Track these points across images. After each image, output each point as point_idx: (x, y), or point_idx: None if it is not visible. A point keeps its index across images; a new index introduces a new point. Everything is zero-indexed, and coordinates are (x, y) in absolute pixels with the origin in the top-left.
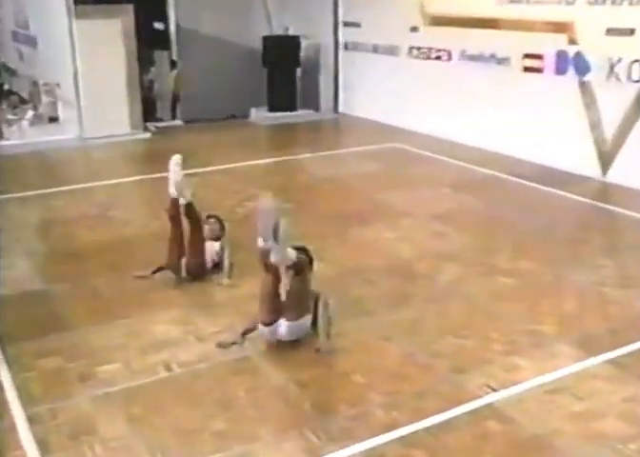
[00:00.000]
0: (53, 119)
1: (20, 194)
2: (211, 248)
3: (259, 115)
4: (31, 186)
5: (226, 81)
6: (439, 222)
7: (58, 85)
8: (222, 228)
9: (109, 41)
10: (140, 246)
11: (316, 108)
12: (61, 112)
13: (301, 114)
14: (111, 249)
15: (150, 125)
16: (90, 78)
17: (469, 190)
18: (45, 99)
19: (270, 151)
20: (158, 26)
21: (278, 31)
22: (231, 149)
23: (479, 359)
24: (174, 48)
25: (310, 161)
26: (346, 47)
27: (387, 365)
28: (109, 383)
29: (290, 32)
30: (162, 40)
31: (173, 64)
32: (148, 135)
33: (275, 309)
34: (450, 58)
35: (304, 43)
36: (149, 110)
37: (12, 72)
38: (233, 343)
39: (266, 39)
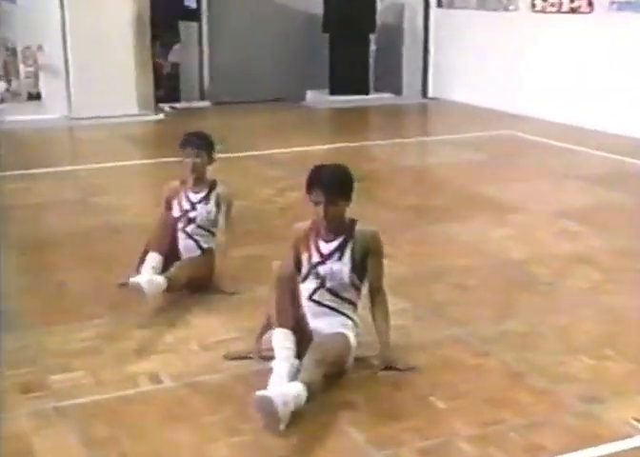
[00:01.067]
0: (34, 96)
1: None
2: None
3: (317, 98)
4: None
5: (271, 55)
6: (568, 219)
7: (40, 47)
8: None
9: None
10: (129, 237)
11: (397, 90)
12: (44, 88)
13: (375, 99)
14: (90, 240)
15: (165, 105)
16: (82, 41)
17: (610, 184)
18: (24, 70)
19: (329, 137)
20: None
21: None
22: (273, 134)
23: (623, 385)
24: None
25: (385, 149)
26: (439, 3)
27: (482, 387)
28: (62, 395)
29: None
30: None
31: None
32: (160, 117)
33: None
34: (591, 8)
35: (381, 1)
36: (168, 90)
37: None
38: (247, 356)
39: None
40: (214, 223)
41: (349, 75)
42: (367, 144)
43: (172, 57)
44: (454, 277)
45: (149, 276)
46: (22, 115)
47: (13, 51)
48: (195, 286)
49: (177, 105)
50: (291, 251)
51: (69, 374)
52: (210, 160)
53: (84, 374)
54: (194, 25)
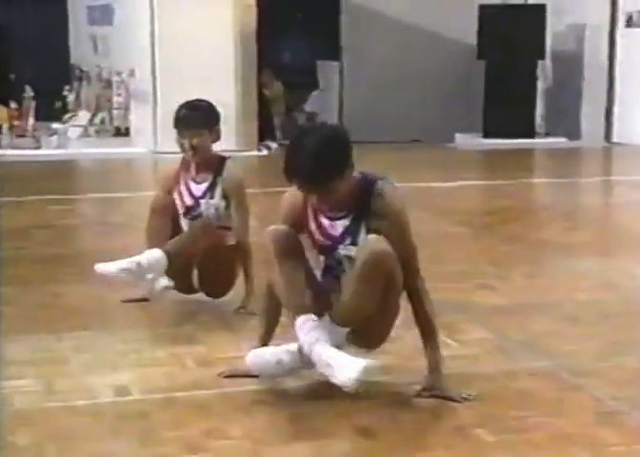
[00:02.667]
0: (122, 132)
1: (31, 198)
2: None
3: (467, 142)
4: (50, 190)
5: (413, 90)
6: None
7: (132, 72)
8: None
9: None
10: None
11: (573, 134)
12: (134, 121)
13: (543, 144)
14: (109, 256)
15: (269, 143)
16: (173, 69)
17: None
18: (115, 100)
19: (465, 174)
20: None
21: None
22: (392, 170)
23: None
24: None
25: (535, 187)
26: (629, 21)
27: (558, 423)
28: (5, 402)
29: (532, 0)
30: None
31: None
32: (263, 153)
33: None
34: None
35: (554, 20)
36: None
37: (81, 77)
38: (246, 375)
39: (485, 11)
40: (227, 217)
41: (509, 114)
42: (512, 182)
43: (310, 106)
44: (566, 310)
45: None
46: (106, 148)
47: (108, 83)
48: (211, 268)
49: (285, 142)
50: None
51: (16, 381)
52: (215, 137)
53: (35, 382)
54: (334, 65)
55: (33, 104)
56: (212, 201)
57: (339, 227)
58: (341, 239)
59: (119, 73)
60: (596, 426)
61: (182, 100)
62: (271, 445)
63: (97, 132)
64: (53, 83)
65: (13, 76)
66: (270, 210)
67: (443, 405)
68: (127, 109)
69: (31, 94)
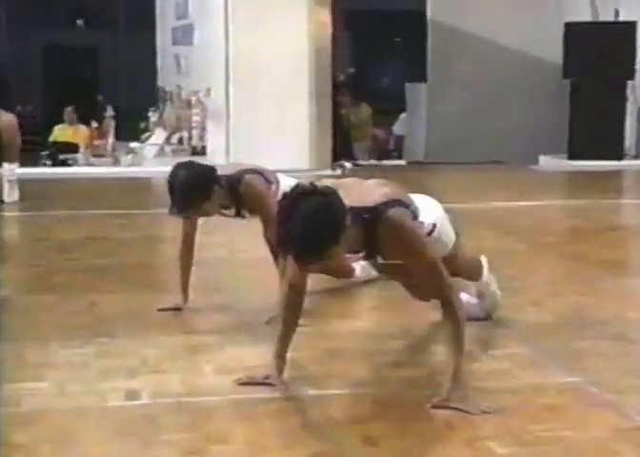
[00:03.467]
0: (198, 152)
1: (92, 212)
2: None
3: (551, 164)
4: (114, 206)
5: (496, 110)
6: None
7: (208, 91)
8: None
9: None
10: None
11: None
12: (210, 140)
13: (631, 165)
14: (154, 269)
15: (346, 162)
16: (247, 86)
17: None
18: (194, 119)
19: (542, 195)
20: None
21: (603, 16)
22: (476, 190)
23: None
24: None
25: (610, 208)
26: None
27: (578, 437)
28: (8, 401)
29: (622, 17)
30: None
31: None
32: (337, 173)
33: None
34: None
35: None
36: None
37: (165, 98)
38: (263, 382)
39: (572, 28)
40: None
41: (596, 135)
42: (586, 202)
43: (398, 129)
44: (612, 328)
45: None
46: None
47: (188, 102)
48: None
49: (363, 161)
50: None
51: (30, 383)
52: (209, 208)
53: (48, 385)
54: (421, 87)
55: (113, 123)
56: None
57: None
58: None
59: (196, 92)
60: (615, 441)
61: (255, 120)
62: (270, 451)
63: (174, 152)
64: (140, 104)
65: (101, 98)
66: None
67: (459, 416)
68: (204, 128)
69: (112, 114)
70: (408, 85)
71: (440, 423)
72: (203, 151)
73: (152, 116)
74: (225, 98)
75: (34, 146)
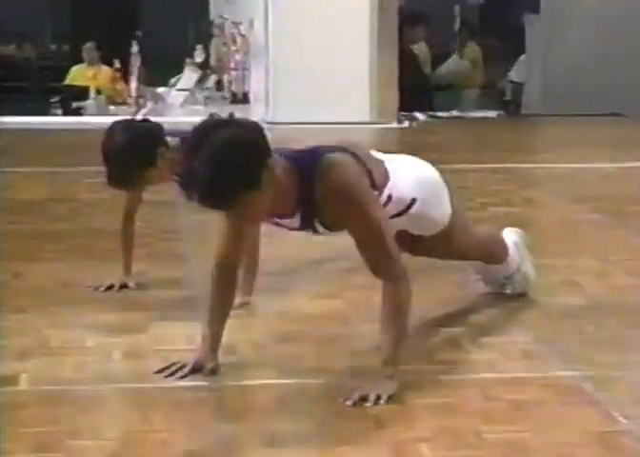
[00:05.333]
0: (237, 98)
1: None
2: None
3: None
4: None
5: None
6: None
7: (252, 23)
8: None
9: None
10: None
11: None
12: (253, 85)
13: None
14: (113, 237)
15: (416, 114)
16: (291, 20)
17: None
18: (236, 57)
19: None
20: None
21: None
22: (569, 147)
23: None
24: None
25: None
26: None
27: (541, 440)
28: None
29: None
30: None
31: None
32: (403, 125)
33: None
34: None
35: None
36: None
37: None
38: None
39: None
40: None
41: None
42: None
43: (516, 75)
44: None
45: None
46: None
47: (233, 39)
48: None
49: (442, 113)
50: None
51: None
52: (154, 177)
53: None
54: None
55: (138, 62)
56: None
57: (295, 221)
58: (303, 229)
59: (237, 25)
60: (580, 447)
61: (301, 60)
62: (140, 448)
63: (208, 99)
64: (188, 42)
65: (140, 33)
66: None
67: (396, 414)
68: (245, 69)
69: (137, 50)
70: (527, 18)
71: (369, 421)
72: (245, 99)
73: (198, 56)
74: (264, 32)
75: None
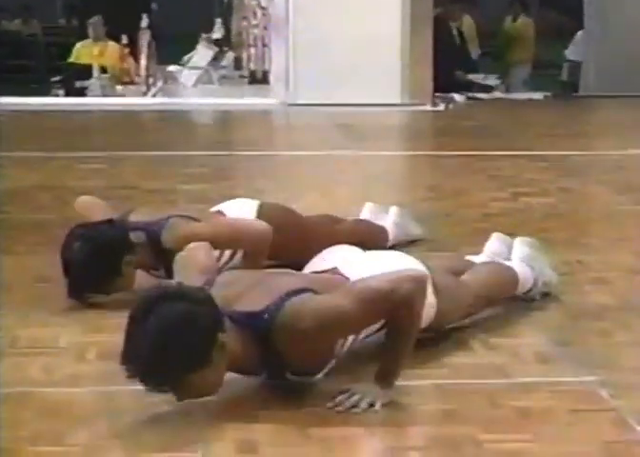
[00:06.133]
0: (256, 78)
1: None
2: None
3: None
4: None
5: None
6: None
7: None
8: None
9: None
10: None
11: None
12: (274, 65)
13: None
14: None
15: (453, 95)
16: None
17: None
18: (252, 33)
19: None
20: None
21: None
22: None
23: None
24: None
25: None
26: None
27: (552, 452)
28: None
29: None
30: None
31: None
32: (439, 108)
33: None
34: None
35: None
36: None
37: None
38: None
39: None
40: None
41: None
42: None
43: (573, 53)
44: None
45: None
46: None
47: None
48: None
49: (482, 95)
50: None
51: None
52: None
53: None
54: None
55: (148, 37)
56: None
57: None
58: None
59: None
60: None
61: (322, 36)
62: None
63: (224, 78)
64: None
65: (155, 6)
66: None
67: (391, 421)
68: (265, 45)
69: (146, 24)
70: None
71: (359, 428)
72: (265, 79)
73: (216, 32)
74: (285, 3)
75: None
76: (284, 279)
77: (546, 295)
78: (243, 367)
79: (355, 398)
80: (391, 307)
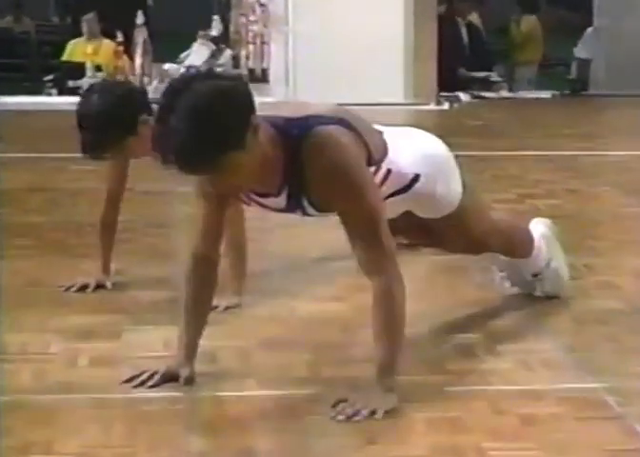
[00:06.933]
0: (257, 77)
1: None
2: None
3: None
4: None
5: None
6: None
7: None
8: None
9: None
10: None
11: None
12: (273, 63)
13: None
14: (93, 231)
15: (459, 94)
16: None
17: None
18: (253, 28)
19: None
20: None
21: None
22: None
23: None
24: None
25: None
26: None
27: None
28: None
29: None
30: None
31: None
32: (443, 108)
33: None
34: None
35: None
36: None
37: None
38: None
39: None
40: None
41: None
42: None
43: (582, 50)
44: None
45: None
46: None
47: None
48: None
49: (489, 94)
50: None
51: None
52: (135, 147)
53: None
54: None
55: (144, 34)
56: None
57: (280, 201)
58: (291, 210)
59: None
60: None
61: (322, 33)
62: None
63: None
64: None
65: (151, 2)
66: None
67: (391, 430)
68: (263, 42)
69: (142, 21)
70: None
71: (359, 437)
72: (264, 77)
73: (214, 28)
74: (284, 1)
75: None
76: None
77: (552, 298)
78: (264, 182)
79: (357, 406)
80: (376, 247)
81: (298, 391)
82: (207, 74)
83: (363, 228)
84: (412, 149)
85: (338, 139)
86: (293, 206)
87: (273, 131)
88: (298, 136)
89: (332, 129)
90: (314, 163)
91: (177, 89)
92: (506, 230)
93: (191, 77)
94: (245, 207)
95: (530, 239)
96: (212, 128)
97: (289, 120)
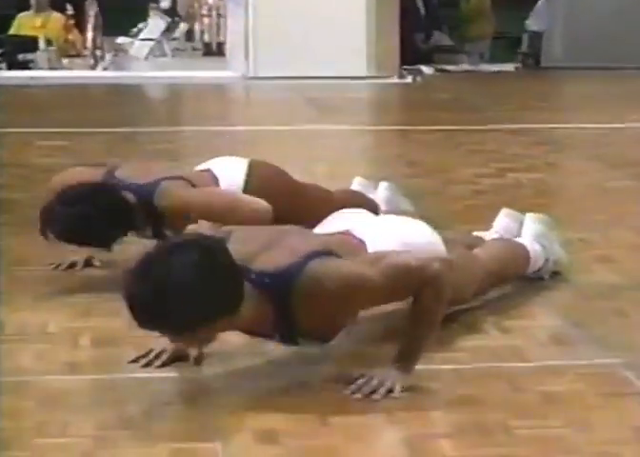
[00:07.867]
0: (212, 51)
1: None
2: None
3: None
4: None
5: None
6: None
7: None
8: None
9: None
10: None
11: None
12: (230, 35)
13: None
14: None
15: (421, 67)
16: None
17: None
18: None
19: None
20: None
21: None
22: (595, 105)
23: None
24: None
25: None
26: None
27: (584, 439)
28: None
29: None
30: None
31: None
32: (406, 81)
33: None
34: None
35: None
36: None
37: None
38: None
39: None
40: None
41: None
42: None
43: (534, 23)
44: None
45: None
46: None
47: None
48: None
49: (451, 67)
50: None
51: None
52: None
53: None
54: None
55: (94, 7)
56: None
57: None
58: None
59: None
60: (628, 444)
61: (283, 4)
62: (113, 446)
63: (177, 51)
64: None
65: None
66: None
67: (410, 407)
68: (219, 15)
69: None
70: None
71: (379, 415)
72: (220, 51)
73: (164, 1)
74: None
75: None
76: (302, 238)
77: (555, 274)
78: (256, 328)
79: (374, 383)
80: (419, 283)
81: (311, 368)
82: (193, 241)
83: (390, 283)
84: (391, 241)
85: (326, 279)
86: (287, 342)
87: (255, 289)
88: (285, 289)
89: (316, 271)
90: (308, 309)
91: (156, 255)
92: (499, 271)
93: (176, 244)
94: None
95: (525, 256)
96: (199, 299)
97: (269, 275)
